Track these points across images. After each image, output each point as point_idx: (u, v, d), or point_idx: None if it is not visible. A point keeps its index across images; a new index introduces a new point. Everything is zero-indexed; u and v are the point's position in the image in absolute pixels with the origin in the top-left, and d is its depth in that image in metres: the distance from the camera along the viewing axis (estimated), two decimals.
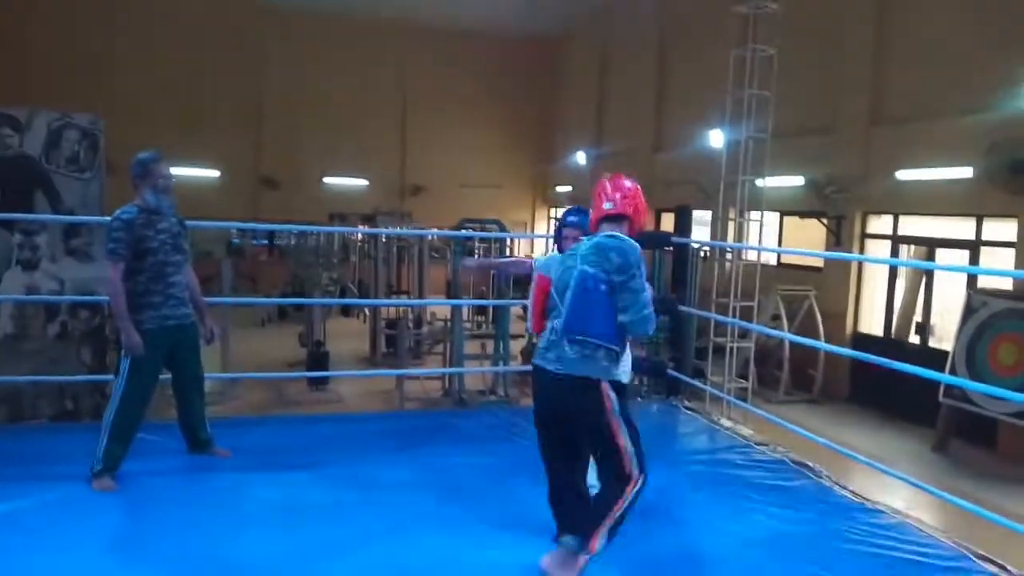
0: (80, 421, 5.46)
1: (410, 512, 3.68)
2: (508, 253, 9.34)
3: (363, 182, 19.69)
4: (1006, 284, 7.82)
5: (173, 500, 3.72)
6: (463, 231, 8.77)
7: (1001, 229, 8.12)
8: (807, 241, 10.69)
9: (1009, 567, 3.42)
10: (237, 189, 18.34)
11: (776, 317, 9.59)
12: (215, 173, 18.41)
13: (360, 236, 15.23)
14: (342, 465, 4.26)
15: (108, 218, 3.93)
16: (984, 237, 8.34)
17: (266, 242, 19.08)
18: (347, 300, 12.55)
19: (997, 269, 8.40)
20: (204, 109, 17.62)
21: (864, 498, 4.21)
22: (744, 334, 8.65)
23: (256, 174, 18.68)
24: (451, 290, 9.26)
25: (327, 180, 19.42)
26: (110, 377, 4.13)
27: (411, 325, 10.21)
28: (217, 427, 4.44)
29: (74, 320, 5.61)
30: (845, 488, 4.34)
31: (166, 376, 4.11)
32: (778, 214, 11.40)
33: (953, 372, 7.35)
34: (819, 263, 10.51)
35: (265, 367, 8.74)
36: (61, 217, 5.48)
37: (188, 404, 4.18)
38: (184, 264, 4.03)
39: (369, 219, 14.21)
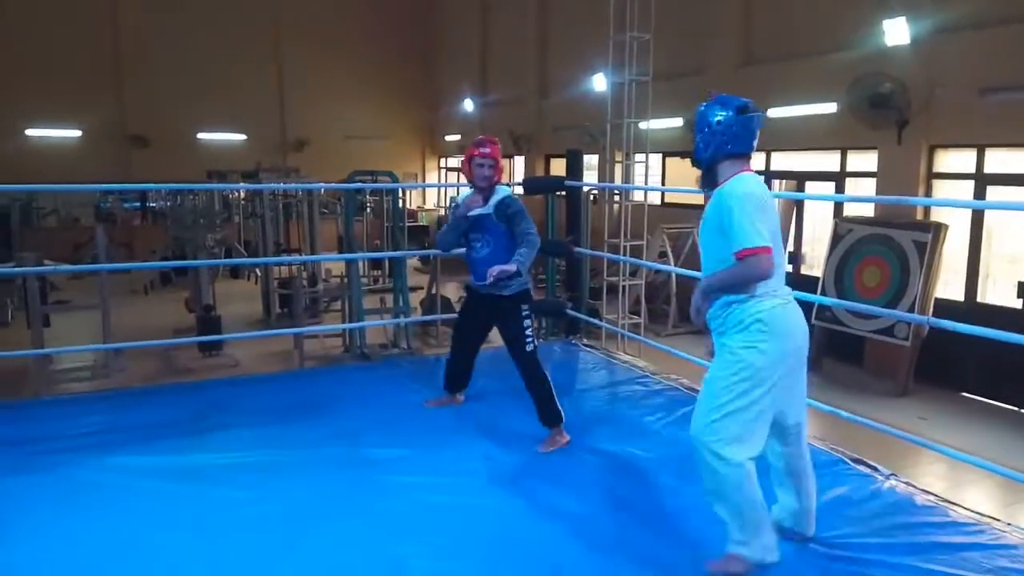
0: None
1: (321, 468, 3.69)
2: (401, 205, 9.23)
3: (241, 136, 18.83)
4: (869, 211, 8.42)
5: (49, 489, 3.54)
6: (355, 184, 8.61)
7: (863, 160, 8.71)
8: (688, 180, 11.09)
9: (879, 467, 3.80)
10: (103, 149, 17.14)
11: (663, 254, 9.99)
12: (76, 133, 17.13)
13: (243, 194, 14.64)
14: (245, 427, 4.20)
15: None
16: (848, 168, 8.93)
17: (139, 205, 18.01)
18: (236, 260, 12.09)
19: (860, 196, 9.02)
20: (56, 63, 16.26)
21: None
22: (635, 272, 8.97)
23: (124, 132, 17.49)
24: (344, 245, 9.09)
25: (202, 136, 18.44)
26: None
27: (305, 283, 10.00)
28: (106, 400, 4.27)
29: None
30: None
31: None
32: (661, 155, 11.77)
33: (823, 295, 7.92)
34: (700, 200, 10.95)
35: (151, 335, 8.36)
36: None
37: None
38: None
39: (251, 176, 13.65)
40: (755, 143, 2.89)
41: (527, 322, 4.15)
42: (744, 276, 2.71)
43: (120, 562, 2.87)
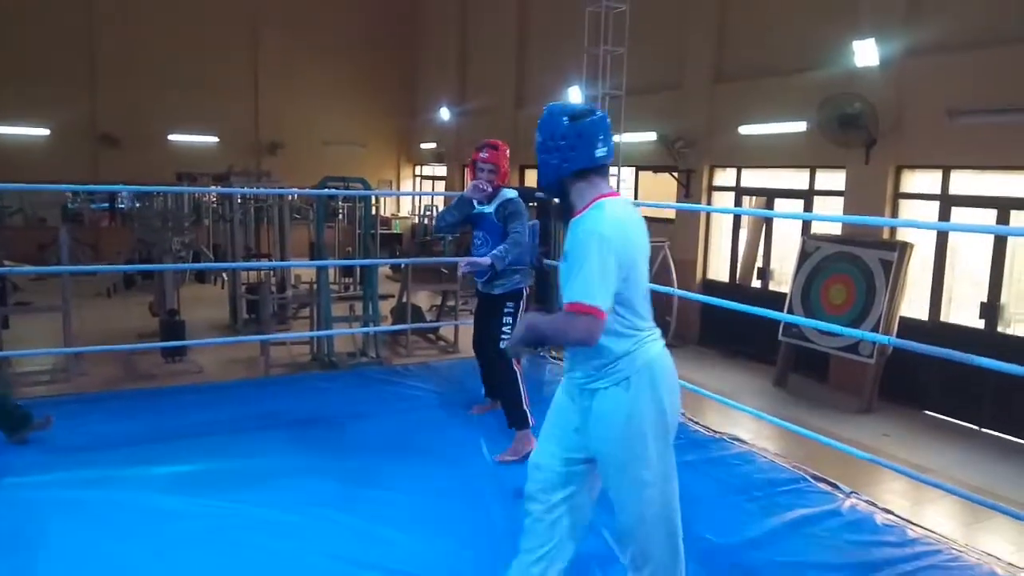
0: None
1: (280, 476, 3.62)
2: (374, 212, 9.16)
3: (213, 139, 18.59)
4: (836, 229, 8.52)
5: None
6: (326, 190, 8.52)
7: (831, 179, 8.82)
8: (660, 194, 11.17)
9: (840, 484, 3.83)
10: (72, 148, 16.83)
11: None
12: (44, 131, 16.82)
13: (213, 197, 14.45)
14: (202, 436, 4.12)
15: None
16: (817, 187, 9.04)
17: (106, 205, 17.72)
18: (203, 265, 11.91)
19: (827, 215, 9.13)
20: (28, 61, 15.97)
21: (715, 431, 4.56)
22: None
23: (93, 132, 17.20)
24: (315, 251, 9.00)
25: (173, 138, 18.19)
26: None
27: (274, 289, 9.87)
28: (65, 405, 4.17)
29: None
30: (698, 423, 4.67)
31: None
32: (634, 169, 11.83)
33: (791, 312, 7.99)
34: (672, 215, 11.03)
35: (113, 340, 8.18)
36: None
37: None
38: None
39: (222, 179, 13.48)
40: (603, 153, 2.36)
41: (507, 319, 4.19)
42: (564, 332, 2.24)
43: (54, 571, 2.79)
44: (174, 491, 3.42)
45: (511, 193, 4.26)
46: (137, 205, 14.71)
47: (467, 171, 18.90)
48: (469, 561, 2.97)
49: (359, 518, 3.24)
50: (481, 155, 4.19)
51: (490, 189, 4.24)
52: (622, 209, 2.36)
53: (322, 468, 3.76)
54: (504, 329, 4.18)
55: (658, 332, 2.47)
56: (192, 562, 2.88)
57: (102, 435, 4.07)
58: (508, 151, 4.32)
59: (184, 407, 4.67)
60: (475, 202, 4.31)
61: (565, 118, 2.36)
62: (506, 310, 4.22)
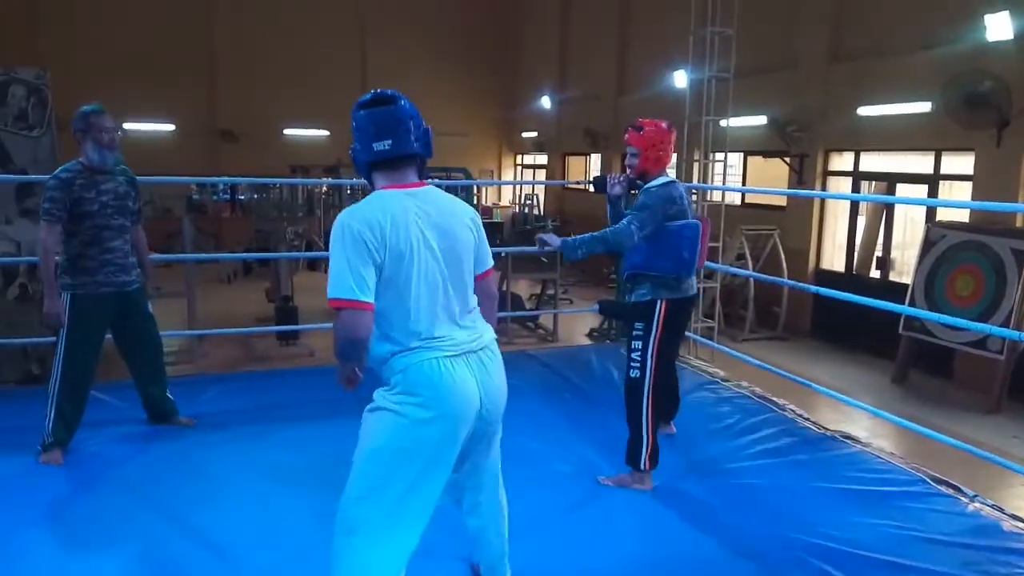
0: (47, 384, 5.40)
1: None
2: (475, 202, 9.27)
3: (324, 133, 19.29)
4: (963, 216, 7.98)
5: (131, 469, 3.67)
6: (429, 180, 8.68)
7: (959, 163, 8.26)
8: (771, 180, 10.77)
9: (964, 488, 3.58)
10: (195, 143, 17.87)
11: (741, 256, 9.71)
12: (170, 127, 17.92)
13: (324, 188, 15.00)
14: (313, 415, 4.28)
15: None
16: (942, 171, 8.48)
17: (228, 197, 18.70)
18: (316, 253, 12.39)
19: (955, 201, 8.56)
20: (155, 60, 17.03)
21: (827, 429, 4.36)
22: (710, 274, 8.76)
23: (214, 127, 18.20)
24: None
25: (287, 132, 18.99)
26: None
27: None
28: (186, 385, 4.43)
29: (33, 282, 5.50)
30: (808, 420, 4.49)
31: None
32: (742, 154, 11.44)
33: (913, 304, 7.54)
34: (782, 202, 10.61)
35: (232, 323, 8.64)
36: (11, 176, 5.31)
37: (141, 373, 4.04)
38: (129, 228, 3.81)
39: (332, 171, 13.97)
40: (383, 147, 2.20)
41: (635, 343, 3.53)
42: (335, 338, 2.11)
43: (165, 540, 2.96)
44: (267, 471, 3.58)
45: (658, 181, 3.61)
46: (255, 197, 15.48)
47: (567, 160, 18.91)
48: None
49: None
50: (625, 136, 3.66)
51: (621, 180, 3.75)
52: (387, 196, 2.16)
53: None
54: (632, 356, 3.53)
55: (451, 342, 2.16)
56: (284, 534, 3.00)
57: (220, 411, 4.32)
58: (663, 131, 3.65)
59: (296, 387, 4.91)
60: (614, 197, 3.78)
61: (356, 106, 2.26)
62: (634, 332, 3.56)
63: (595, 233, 3.48)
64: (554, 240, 3.45)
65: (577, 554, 2.96)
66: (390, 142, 2.19)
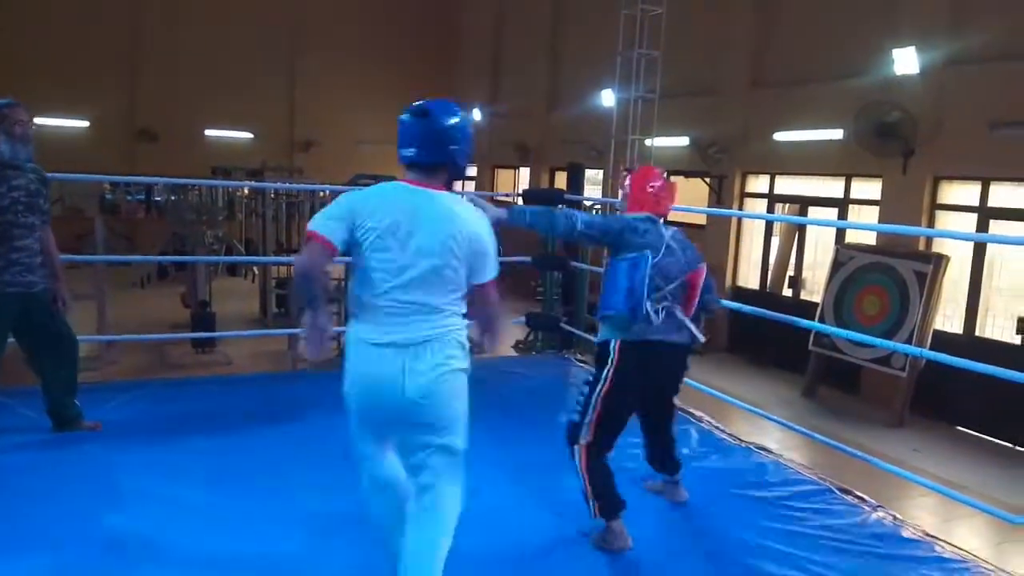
0: None
1: (298, 475, 3.63)
2: None
3: (248, 135, 18.82)
4: (871, 239, 8.39)
5: (38, 474, 3.48)
6: (357, 187, 8.58)
7: (867, 188, 8.68)
8: (691, 199, 11.09)
9: (867, 498, 3.75)
10: (111, 141, 17.16)
11: None
12: (83, 123, 17.17)
13: (247, 192, 14.62)
14: (229, 431, 4.15)
15: None
16: (852, 196, 8.90)
17: (143, 198, 18.01)
18: (235, 258, 12.06)
19: (863, 224, 8.99)
20: (73, 56, 16.31)
21: (741, 440, 4.50)
22: None
23: (132, 125, 17.52)
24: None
25: (209, 133, 18.44)
26: None
27: None
28: (91, 392, 4.23)
29: None
30: (724, 431, 4.62)
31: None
32: (665, 172, 11.73)
33: (822, 322, 7.87)
34: (702, 220, 10.94)
35: (145, 329, 8.31)
36: None
37: (46, 377, 3.83)
38: (38, 226, 3.64)
39: (256, 174, 13.64)
40: (406, 153, 2.50)
41: (585, 387, 3.19)
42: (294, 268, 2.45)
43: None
44: (180, 477, 3.46)
45: (627, 215, 3.39)
46: (172, 198, 14.95)
47: (496, 172, 19.00)
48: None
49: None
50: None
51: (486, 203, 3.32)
52: (382, 187, 2.51)
53: (340, 463, 3.77)
54: (578, 399, 3.18)
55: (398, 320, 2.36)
56: (185, 547, 2.91)
57: (126, 418, 4.14)
58: (651, 175, 3.56)
59: (210, 396, 4.73)
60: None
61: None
62: (587, 379, 3.20)
63: (538, 208, 3.49)
64: (494, 211, 3.11)
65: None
66: (407, 151, 2.47)
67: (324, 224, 2.34)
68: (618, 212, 3.51)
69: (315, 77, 18.92)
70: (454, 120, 2.46)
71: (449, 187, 2.50)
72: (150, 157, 17.12)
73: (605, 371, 3.12)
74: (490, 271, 2.48)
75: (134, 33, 17.39)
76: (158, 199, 17.73)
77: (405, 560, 2.41)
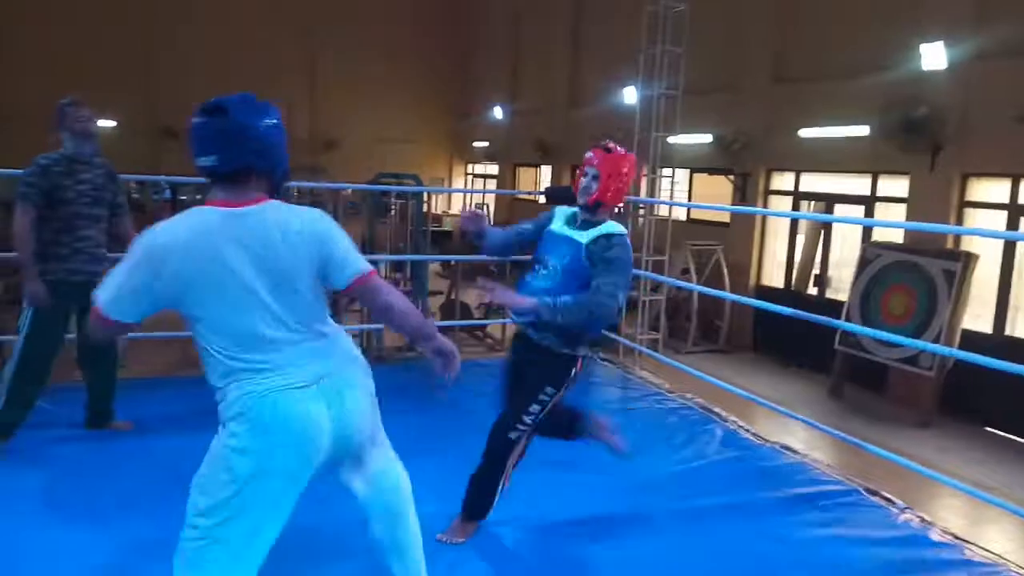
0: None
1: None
2: (425, 209, 9.24)
3: None
4: (898, 237, 8.28)
5: (71, 468, 3.56)
6: (379, 185, 8.62)
7: (894, 185, 8.57)
8: (715, 197, 11.01)
9: (895, 499, 3.71)
10: (136, 140, 17.41)
11: (686, 271, 9.89)
12: (111, 123, 17.41)
13: None
14: None
15: None
16: (879, 193, 8.79)
17: (168, 196, 18.22)
18: None
19: (890, 221, 8.87)
20: (99, 59, 16.60)
21: (766, 439, 4.46)
22: (656, 288, 8.89)
23: (156, 124, 17.76)
24: (367, 247, 9.12)
25: None
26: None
27: None
28: (121, 389, 4.28)
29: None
30: (748, 431, 4.59)
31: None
32: (688, 171, 11.68)
33: (848, 321, 7.78)
34: (726, 218, 10.86)
35: (172, 328, 8.40)
36: None
37: (91, 373, 3.96)
38: (104, 218, 3.82)
39: None
40: (203, 163, 2.02)
41: (542, 398, 2.92)
42: None
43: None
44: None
45: (618, 228, 2.93)
46: (197, 197, 15.10)
47: (518, 171, 18.99)
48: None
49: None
50: (587, 155, 3.02)
51: (483, 216, 3.22)
52: (199, 217, 1.99)
53: None
54: (528, 410, 2.91)
55: (292, 372, 1.99)
56: None
57: (159, 415, 4.20)
58: (632, 160, 3.06)
59: None
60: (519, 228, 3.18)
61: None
62: (544, 389, 2.92)
63: (583, 299, 2.80)
64: (526, 301, 2.82)
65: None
66: (207, 159, 1.99)
67: (107, 298, 1.95)
68: (595, 197, 2.94)
69: (335, 76, 19.05)
70: (261, 116, 2.01)
71: (272, 197, 2.06)
72: (174, 156, 17.36)
73: (564, 385, 2.97)
74: (356, 262, 2.11)
75: (156, 34, 17.68)
76: (183, 198, 17.95)
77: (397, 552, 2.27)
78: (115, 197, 3.90)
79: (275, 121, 2.04)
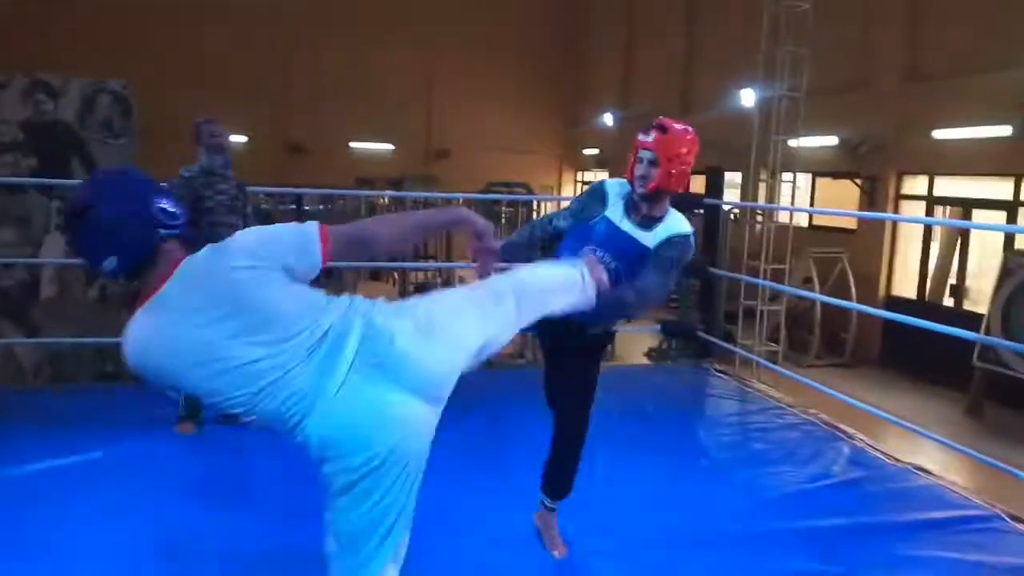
0: (119, 383, 5.57)
1: (446, 473, 3.71)
2: (535, 216, 9.32)
3: (389, 146, 19.69)
4: None
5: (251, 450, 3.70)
6: (490, 194, 8.76)
7: None
8: (840, 202, 10.52)
9: None
10: (264, 155, 18.45)
11: (808, 280, 9.49)
12: (243, 138, 18.55)
13: (387, 200, 15.27)
14: None
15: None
16: (1022, 198, 8.15)
17: (294, 207, 19.20)
18: (377, 264, 12.61)
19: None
20: (232, 75, 17.71)
21: (897, 460, 4.20)
22: (775, 297, 8.58)
23: (283, 140, 18.77)
24: None
25: (354, 145, 19.43)
26: None
27: (440, 287, 10.25)
28: None
29: (112, 284, 5.73)
30: (877, 450, 4.34)
31: None
32: (810, 175, 11.22)
33: (988, 335, 7.24)
34: (852, 225, 10.35)
35: None
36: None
37: None
38: (238, 226, 4.01)
39: (396, 183, 14.22)
40: (114, 262, 1.68)
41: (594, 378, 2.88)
42: None
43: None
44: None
45: (684, 227, 2.70)
46: (320, 207, 15.83)
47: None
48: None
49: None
50: (642, 138, 2.64)
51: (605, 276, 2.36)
52: (149, 318, 1.69)
53: (480, 474, 3.83)
54: (591, 396, 2.87)
55: None
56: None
57: None
58: (694, 138, 2.72)
59: None
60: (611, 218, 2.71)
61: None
62: (594, 372, 2.90)
63: (643, 286, 2.61)
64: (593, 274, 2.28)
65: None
66: (115, 259, 1.68)
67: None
68: (654, 184, 2.61)
69: (450, 90, 19.54)
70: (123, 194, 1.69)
71: (192, 248, 1.74)
72: (298, 169, 18.27)
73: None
74: (306, 228, 1.88)
75: (285, 56, 18.66)
76: (307, 208, 18.86)
77: None
78: (244, 207, 4.23)
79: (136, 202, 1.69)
